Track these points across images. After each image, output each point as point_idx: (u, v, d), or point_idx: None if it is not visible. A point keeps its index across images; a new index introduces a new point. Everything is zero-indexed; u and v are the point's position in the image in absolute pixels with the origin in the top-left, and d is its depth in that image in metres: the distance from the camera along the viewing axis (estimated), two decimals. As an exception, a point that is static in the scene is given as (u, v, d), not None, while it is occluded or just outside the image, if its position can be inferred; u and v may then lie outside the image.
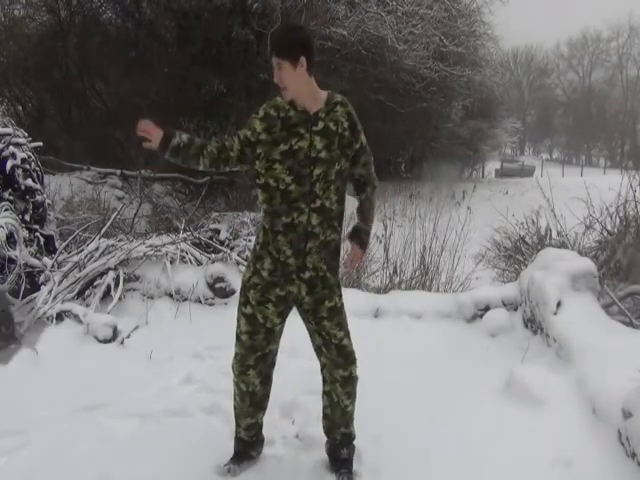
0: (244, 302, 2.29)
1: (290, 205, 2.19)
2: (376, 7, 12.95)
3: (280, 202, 2.20)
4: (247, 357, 2.31)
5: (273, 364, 2.41)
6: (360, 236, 2.44)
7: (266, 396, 2.43)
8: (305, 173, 2.17)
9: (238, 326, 2.32)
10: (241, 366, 2.33)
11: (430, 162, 21.01)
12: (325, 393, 2.41)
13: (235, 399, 2.43)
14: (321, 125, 2.19)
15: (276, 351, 2.39)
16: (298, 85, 2.17)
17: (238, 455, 2.46)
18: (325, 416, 2.44)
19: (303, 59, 2.14)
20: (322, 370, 2.40)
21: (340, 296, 2.34)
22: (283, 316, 2.31)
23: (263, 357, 2.33)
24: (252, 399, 2.38)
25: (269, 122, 2.19)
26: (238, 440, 2.48)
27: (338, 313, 2.31)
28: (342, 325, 2.32)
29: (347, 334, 2.34)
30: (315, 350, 2.40)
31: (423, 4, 13.49)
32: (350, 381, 2.36)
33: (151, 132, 2.25)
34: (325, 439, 2.48)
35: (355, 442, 2.47)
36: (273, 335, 2.31)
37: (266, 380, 2.40)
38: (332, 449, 2.45)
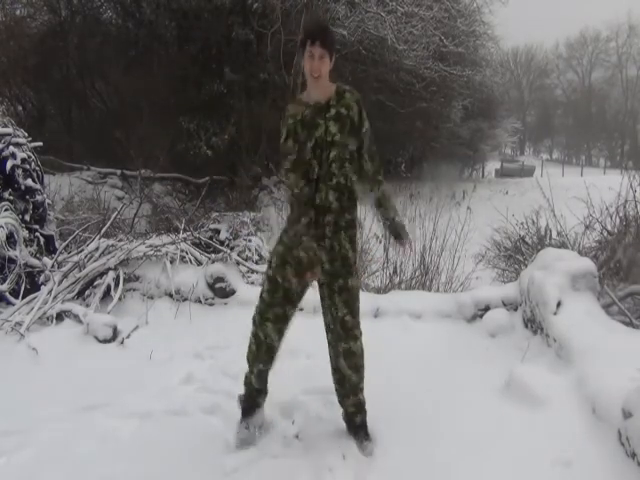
0: (268, 267, 2.60)
1: (311, 185, 2.44)
2: (376, 7, 12.94)
3: (305, 184, 2.45)
4: (267, 311, 2.56)
5: (288, 326, 2.63)
6: (399, 233, 2.73)
7: (279, 349, 2.66)
8: (324, 156, 2.43)
9: (262, 286, 2.62)
10: (261, 318, 2.58)
11: (430, 162, 20.99)
12: (332, 370, 2.63)
13: (250, 349, 2.65)
14: (333, 111, 2.44)
15: (292, 315, 2.61)
16: (326, 76, 2.45)
17: (247, 410, 2.71)
18: (336, 389, 2.66)
19: (334, 55, 2.47)
20: (328, 347, 2.62)
21: (352, 277, 2.53)
22: (302, 280, 2.51)
23: (282, 317, 2.57)
24: (268, 349, 2.61)
25: (293, 133, 2.45)
26: (246, 396, 2.72)
27: (347, 292, 2.51)
28: (348, 303, 2.52)
29: (351, 313, 2.53)
30: (325, 328, 2.61)
31: (423, 4, 13.48)
32: (351, 354, 2.55)
33: None
34: (340, 410, 2.69)
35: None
36: (290, 294, 2.54)
37: (281, 336, 2.63)
38: (347, 418, 2.68)
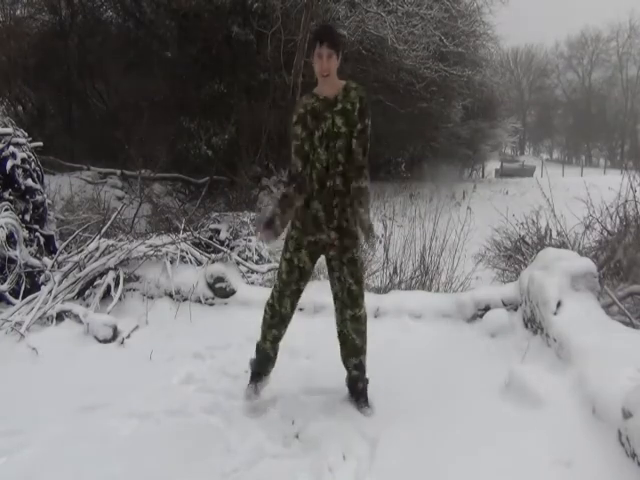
0: (285, 250, 2.89)
1: (321, 171, 2.75)
2: (376, 7, 12.94)
3: (304, 167, 2.77)
4: (285, 289, 2.89)
5: (300, 297, 2.96)
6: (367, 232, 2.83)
7: (290, 318, 2.96)
8: (331, 145, 2.72)
9: (280, 267, 2.93)
10: (280, 294, 2.90)
11: (430, 162, 20.99)
12: (338, 333, 2.94)
13: (265, 319, 2.96)
14: (340, 106, 2.72)
15: (304, 288, 2.94)
16: (335, 73, 2.73)
17: (256, 375, 2.99)
18: (340, 352, 2.96)
19: (341, 54, 2.73)
20: (335, 313, 2.93)
21: (358, 249, 2.85)
22: (313, 259, 2.89)
23: (296, 291, 2.91)
24: (282, 317, 2.93)
25: (302, 120, 2.75)
26: (258, 361, 3.00)
27: (354, 264, 2.84)
28: (354, 274, 2.84)
29: (357, 282, 2.85)
30: (333, 297, 2.93)
31: (423, 4, 13.49)
32: (356, 320, 2.88)
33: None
34: (345, 374, 2.99)
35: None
36: (304, 273, 2.88)
37: (294, 307, 2.96)
38: (350, 382, 2.98)
